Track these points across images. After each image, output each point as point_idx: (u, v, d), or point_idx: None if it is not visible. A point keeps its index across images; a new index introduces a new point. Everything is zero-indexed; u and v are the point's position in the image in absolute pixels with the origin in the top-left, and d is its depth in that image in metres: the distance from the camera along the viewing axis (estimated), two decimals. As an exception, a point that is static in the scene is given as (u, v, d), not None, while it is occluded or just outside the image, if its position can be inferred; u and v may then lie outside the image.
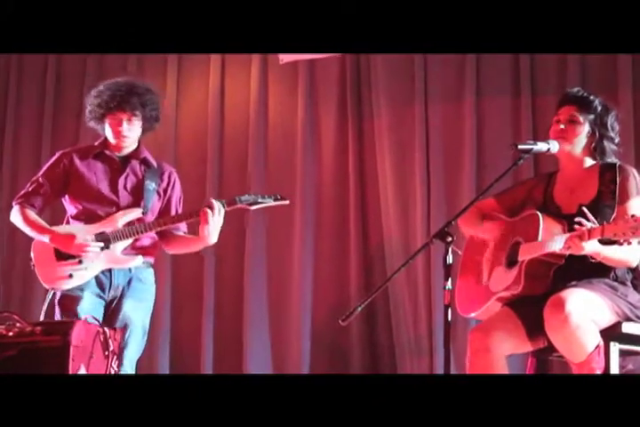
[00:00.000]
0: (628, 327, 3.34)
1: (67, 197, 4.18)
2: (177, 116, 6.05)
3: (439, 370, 5.08)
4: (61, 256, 4.00)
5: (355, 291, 5.55)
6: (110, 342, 3.44)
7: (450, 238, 3.13)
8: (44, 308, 4.00)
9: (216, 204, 3.99)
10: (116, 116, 4.08)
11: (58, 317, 3.99)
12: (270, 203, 4.13)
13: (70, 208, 4.18)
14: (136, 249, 4.09)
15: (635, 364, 3.45)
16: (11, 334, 3.37)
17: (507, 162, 3.57)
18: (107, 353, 3.42)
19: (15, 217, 4.16)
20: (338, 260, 5.69)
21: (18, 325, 3.43)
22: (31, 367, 3.24)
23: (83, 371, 3.33)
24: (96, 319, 3.73)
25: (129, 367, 3.95)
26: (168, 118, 6.05)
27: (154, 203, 4.16)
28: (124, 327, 3.94)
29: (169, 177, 4.25)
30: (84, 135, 5.75)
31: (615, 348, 3.31)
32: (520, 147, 3.43)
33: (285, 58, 5.78)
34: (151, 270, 4.19)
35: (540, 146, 3.47)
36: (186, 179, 5.89)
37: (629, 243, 3.13)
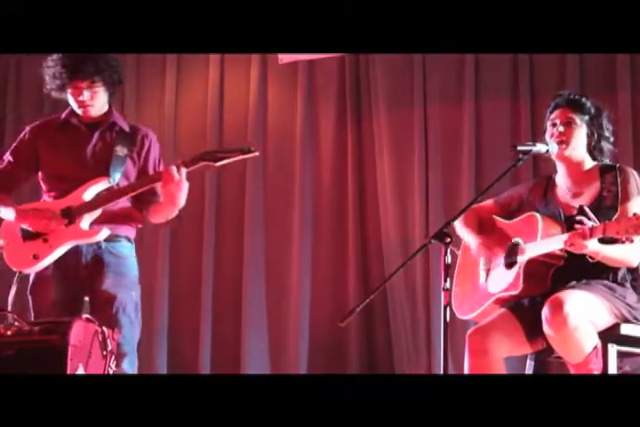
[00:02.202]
0: (626, 329, 3.34)
1: (40, 173, 3.98)
2: (176, 116, 6.05)
3: (437, 370, 5.09)
4: (27, 236, 3.82)
5: (353, 291, 5.55)
6: (109, 341, 3.41)
7: (448, 239, 3.11)
8: (12, 293, 3.82)
9: (174, 164, 3.74)
10: (74, 85, 3.86)
11: (31, 306, 3.84)
12: (237, 157, 3.80)
13: (43, 184, 3.98)
14: (104, 221, 3.84)
15: (632, 365, 3.46)
16: (9, 333, 3.34)
17: (505, 163, 3.56)
18: (105, 353, 3.39)
19: None
20: (336, 260, 5.69)
21: (16, 324, 3.41)
22: (29, 367, 3.21)
23: (81, 371, 3.31)
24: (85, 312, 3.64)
25: (130, 351, 3.76)
26: (167, 118, 6.07)
27: (127, 169, 3.92)
28: (107, 306, 3.76)
29: (143, 140, 3.99)
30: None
31: (613, 349, 3.31)
32: (519, 148, 3.42)
33: (285, 58, 5.78)
34: (127, 244, 3.95)
35: (539, 147, 3.47)
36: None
37: (631, 241, 3.14)
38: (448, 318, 3.07)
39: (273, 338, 5.72)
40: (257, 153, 3.82)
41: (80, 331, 3.35)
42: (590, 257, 3.30)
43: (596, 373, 3.22)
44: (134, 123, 4.11)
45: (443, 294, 3.08)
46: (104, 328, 3.42)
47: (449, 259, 3.11)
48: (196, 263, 5.85)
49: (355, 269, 5.60)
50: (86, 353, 3.34)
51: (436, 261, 5.08)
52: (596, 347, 3.23)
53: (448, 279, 3.09)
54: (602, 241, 3.25)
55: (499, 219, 3.70)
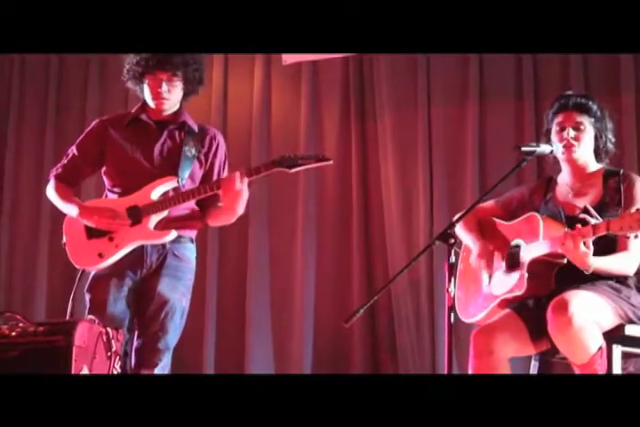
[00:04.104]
0: (630, 330, 3.34)
1: (104, 168, 3.91)
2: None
3: (441, 371, 5.08)
4: (92, 234, 3.77)
5: (357, 292, 5.56)
6: (113, 342, 3.42)
7: (452, 240, 3.11)
8: (74, 290, 3.81)
9: (238, 173, 3.71)
10: (155, 76, 3.82)
11: (87, 304, 3.78)
12: (312, 164, 3.78)
13: (107, 180, 3.91)
14: (171, 222, 3.81)
15: (636, 366, 3.46)
16: (13, 333, 3.34)
17: (510, 163, 3.56)
18: (109, 354, 3.41)
19: (49, 191, 3.92)
20: (340, 261, 5.70)
21: (21, 325, 3.41)
22: (34, 368, 3.22)
23: (85, 372, 3.32)
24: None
25: (166, 355, 3.78)
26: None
27: (194, 170, 3.87)
28: (159, 309, 3.76)
29: (211, 141, 3.94)
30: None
31: (618, 350, 3.31)
32: (523, 149, 3.42)
33: (289, 59, 5.78)
34: (190, 246, 3.92)
35: (544, 148, 3.48)
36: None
37: (636, 236, 3.13)
38: (452, 319, 3.07)
39: (277, 339, 5.72)
40: (331, 161, 3.82)
41: (84, 332, 3.35)
42: (585, 270, 3.29)
43: (600, 373, 3.22)
44: (202, 124, 4.05)
45: (447, 294, 3.09)
46: (108, 329, 3.43)
47: (453, 260, 3.11)
48: (200, 264, 5.76)
49: (359, 269, 5.60)
50: (91, 354, 3.35)
51: (440, 262, 5.09)
52: (600, 348, 3.22)
53: (452, 280, 3.09)
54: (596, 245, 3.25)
55: (499, 221, 3.70)
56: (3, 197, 6.19)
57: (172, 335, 3.82)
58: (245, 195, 3.76)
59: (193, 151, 3.87)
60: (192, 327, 5.75)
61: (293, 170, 3.78)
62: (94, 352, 3.36)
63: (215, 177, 3.93)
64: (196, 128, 3.95)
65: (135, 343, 3.80)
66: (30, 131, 6.28)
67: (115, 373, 3.46)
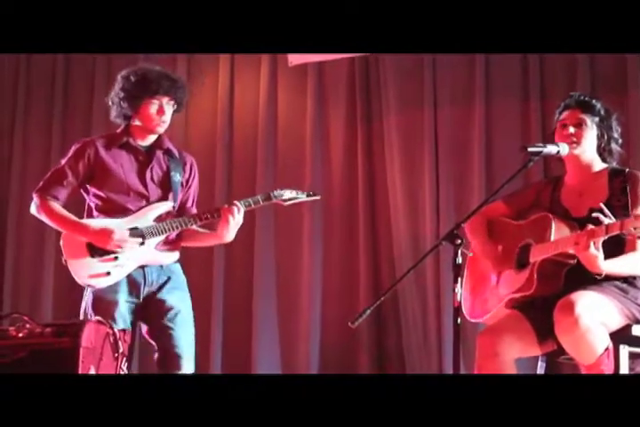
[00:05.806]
0: (637, 330, 3.34)
1: (88, 187, 3.96)
2: (186, 117, 6.05)
3: (448, 372, 5.08)
4: (95, 252, 3.83)
5: (364, 293, 5.55)
6: (120, 343, 3.43)
7: (459, 241, 3.11)
8: (83, 306, 3.86)
9: (239, 203, 3.90)
10: (158, 100, 3.92)
11: None
12: (302, 198, 4.10)
13: (93, 200, 3.96)
14: (167, 244, 3.96)
15: (643, 366, 3.46)
16: (21, 335, 3.35)
17: (516, 164, 3.56)
18: (116, 355, 3.41)
19: (37, 209, 3.93)
20: (347, 262, 5.69)
21: (27, 326, 3.41)
22: (41, 369, 3.22)
23: (92, 373, 3.33)
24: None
25: (189, 363, 3.87)
26: (177, 119, 6.06)
27: (179, 195, 4.02)
28: (172, 318, 3.88)
29: (191, 168, 4.10)
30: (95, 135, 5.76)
31: (625, 350, 3.31)
32: (529, 149, 3.42)
33: (295, 60, 5.77)
34: (178, 263, 4.06)
35: (550, 148, 3.47)
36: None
37: None
38: (459, 320, 3.07)
39: (284, 339, 5.72)
40: (319, 197, 4.21)
41: (91, 333, 3.36)
42: (597, 274, 3.30)
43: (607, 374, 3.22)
44: (178, 149, 4.16)
45: (453, 295, 3.09)
46: (115, 330, 3.44)
47: (459, 260, 3.11)
48: (207, 265, 5.84)
49: (366, 270, 5.60)
50: (98, 355, 3.36)
51: (446, 263, 5.08)
52: (607, 348, 3.22)
53: (459, 281, 3.09)
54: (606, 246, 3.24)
55: (509, 220, 3.70)
56: (9, 198, 6.20)
57: (189, 342, 3.94)
58: (239, 225, 3.94)
59: (178, 176, 4.02)
60: (199, 328, 5.76)
61: (287, 203, 4.08)
62: (101, 353, 3.37)
63: (190, 202, 4.10)
64: (177, 154, 4.08)
65: (156, 355, 3.93)
66: (37, 131, 6.29)
67: (122, 373, 3.46)
